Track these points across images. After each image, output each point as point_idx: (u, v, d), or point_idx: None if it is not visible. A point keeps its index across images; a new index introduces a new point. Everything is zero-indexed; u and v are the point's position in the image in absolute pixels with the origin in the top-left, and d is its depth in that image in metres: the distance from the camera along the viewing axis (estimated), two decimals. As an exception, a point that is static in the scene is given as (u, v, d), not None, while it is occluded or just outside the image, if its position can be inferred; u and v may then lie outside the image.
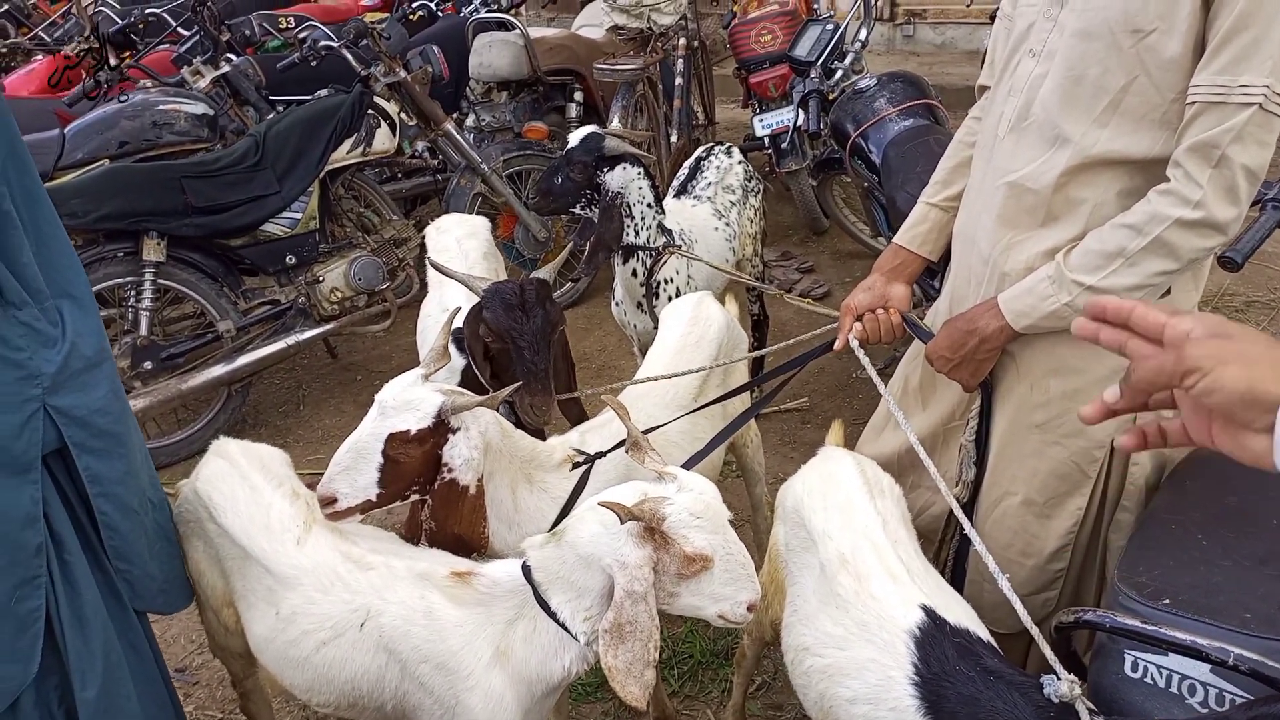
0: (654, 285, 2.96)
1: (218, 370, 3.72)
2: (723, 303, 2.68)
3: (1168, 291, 1.66)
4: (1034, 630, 1.47)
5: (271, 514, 1.79)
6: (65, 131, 3.94)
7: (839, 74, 4.26)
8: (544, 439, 2.19)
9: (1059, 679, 1.37)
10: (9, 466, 1.58)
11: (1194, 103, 1.49)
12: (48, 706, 1.69)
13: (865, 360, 2.03)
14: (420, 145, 4.71)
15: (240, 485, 1.83)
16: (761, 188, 3.59)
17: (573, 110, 5.21)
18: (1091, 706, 1.36)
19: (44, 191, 1.66)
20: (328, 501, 1.77)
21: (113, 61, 4.85)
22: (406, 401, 1.77)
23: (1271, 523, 1.57)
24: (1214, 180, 1.48)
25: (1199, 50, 1.49)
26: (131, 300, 3.65)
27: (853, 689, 1.57)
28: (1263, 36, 1.43)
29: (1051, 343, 1.73)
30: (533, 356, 2.12)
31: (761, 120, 4.76)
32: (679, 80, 5.10)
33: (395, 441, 1.76)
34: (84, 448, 1.68)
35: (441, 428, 1.79)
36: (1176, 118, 1.53)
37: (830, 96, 4.19)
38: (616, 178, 2.80)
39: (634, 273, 2.93)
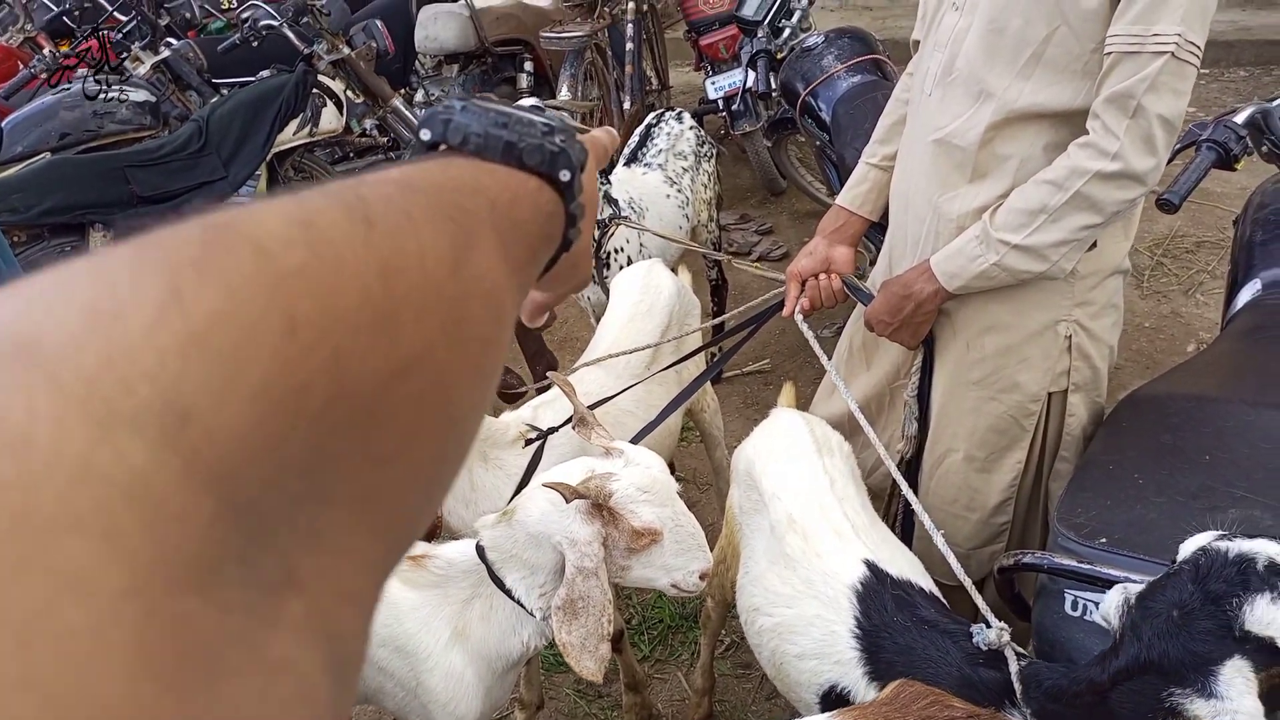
0: (604, 256, 2.96)
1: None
2: (676, 270, 2.68)
3: (1094, 245, 1.68)
4: (966, 581, 1.51)
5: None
6: (3, 125, 3.85)
7: (786, 32, 4.23)
8: (516, 399, 2.21)
9: (989, 627, 1.41)
10: None
11: (1110, 53, 1.51)
12: None
13: (806, 330, 2.06)
14: (369, 123, 4.65)
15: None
16: (715, 152, 3.58)
17: (524, 81, 5.16)
18: (1021, 650, 1.40)
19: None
20: None
21: (48, 50, 4.73)
22: None
23: (1204, 458, 1.61)
24: (1131, 131, 1.50)
25: (1115, 0, 1.50)
26: (81, 295, 3.59)
27: (800, 645, 1.62)
28: None
29: (984, 300, 1.75)
30: None
31: (713, 83, 4.73)
32: (629, 45, 5.04)
33: None
34: None
35: None
36: (1098, 68, 1.54)
37: (779, 55, 4.16)
38: None
39: (585, 244, 2.93)
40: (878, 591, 1.60)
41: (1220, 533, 1.21)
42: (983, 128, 1.66)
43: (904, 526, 1.99)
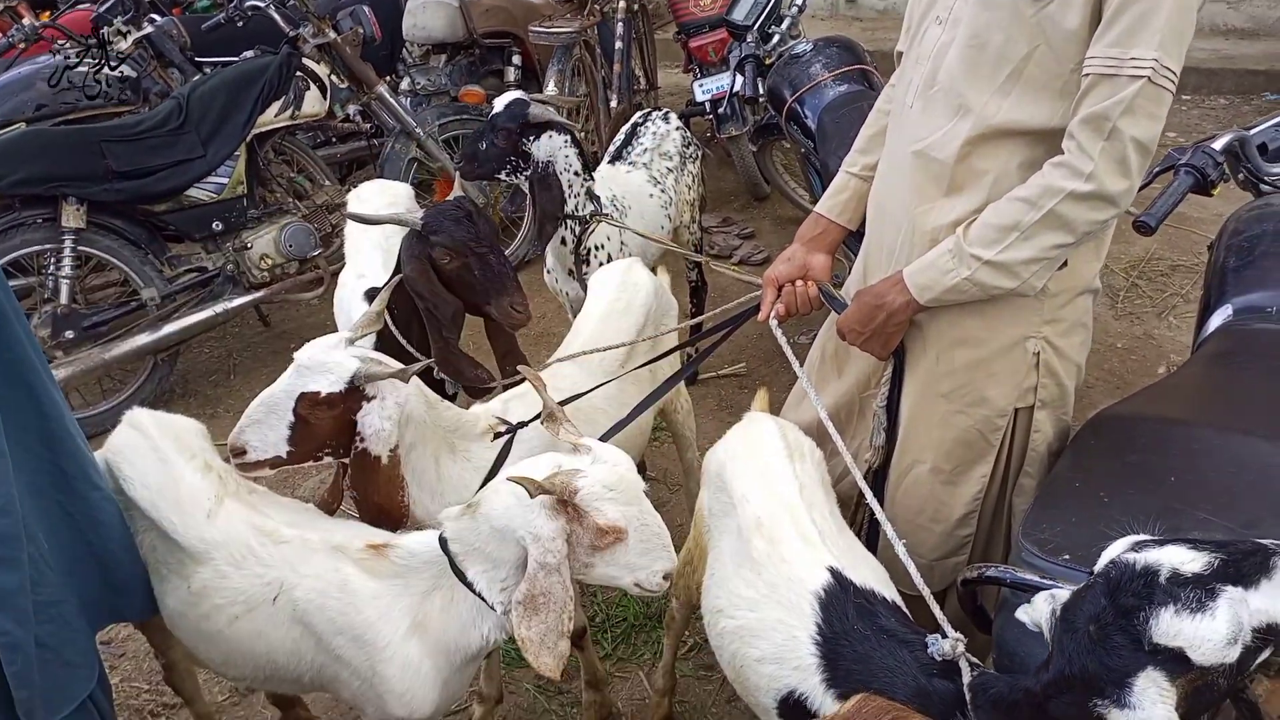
0: (584, 252, 2.96)
1: (142, 339, 3.64)
2: (656, 270, 2.68)
3: (1065, 264, 1.69)
4: (925, 591, 1.52)
5: (181, 487, 1.76)
6: (-22, 92, 3.79)
7: (775, 39, 4.24)
8: (483, 394, 2.20)
9: (944, 637, 1.42)
10: None
11: (1088, 74, 1.52)
12: None
13: (780, 335, 2.06)
14: (353, 109, 4.61)
15: (151, 457, 1.80)
16: (700, 154, 3.58)
17: (511, 74, 5.13)
18: (975, 661, 1.41)
19: None
20: (238, 453, 1.77)
21: (27, 20, 4.66)
22: (321, 363, 1.76)
23: (1170, 479, 1.62)
24: (1105, 153, 1.51)
25: (1096, 22, 1.52)
26: (51, 268, 3.55)
27: (761, 649, 1.61)
28: (1151, 10, 1.45)
29: (956, 314, 1.76)
30: (497, 259, 2.22)
31: (701, 85, 4.73)
32: (619, 44, 5.03)
33: (306, 402, 1.75)
34: None
35: (355, 394, 1.77)
36: (1076, 88, 1.55)
37: (767, 61, 4.18)
38: (543, 146, 2.78)
39: (563, 240, 2.92)
40: (840, 599, 1.59)
41: (1137, 539, 1.23)
42: (960, 141, 1.67)
43: (869, 535, 1.99)
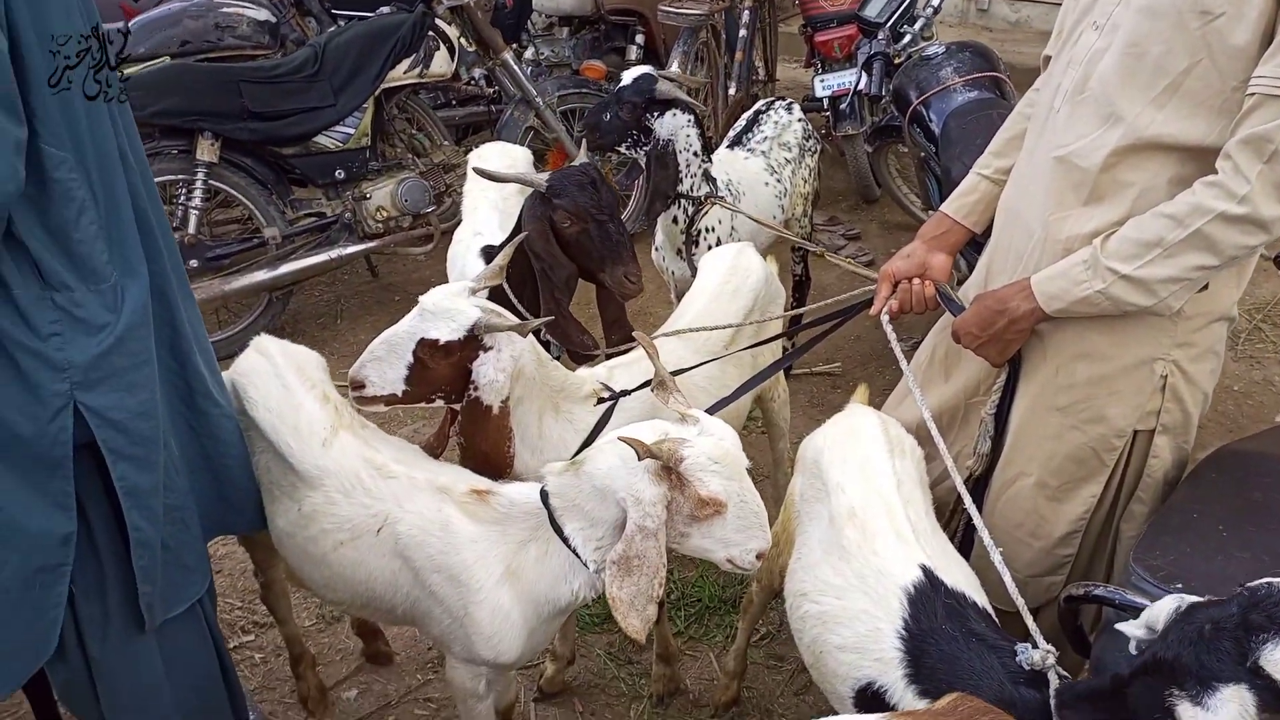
0: (694, 234, 2.97)
1: (260, 275, 3.78)
2: (764, 259, 2.68)
3: (1205, 286, 1.64)
4: (1019, 601, 1.50)
5: (301, 414, 1.84)
6: (129, 25, 3.96)
7: (907, 38, 4.17)
8: (586, 360, 2.21)
9: (1035, 648, 1.40)
10: (37, 460, 1.48)
11: (1253, 94, 1.46)
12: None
13: (890, 332, 2.03)
14: (477, 73, 4.70)
15: (275, 383, 1.87)
16: (819, 148, 3.55)
17: (633, 52, 5.15)
18: (1064, 673, 1.39)
19: (120, 165, 1.52)
20: (356, 386, 1.83)
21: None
22: (445, 310, 1.80)
23: (1293, 519, 1.57)
24: (1264, 176, 1.45)
25: (1267, 40, 1.46)
26: (182, 198, 3.71)
27: (843, 636, 1.62)
28: None
29: (1082, 327, 1.71)
30: (617, 228, 2.24)
31: (823, 80, 4.68)
32: (743, 32, 5.02)
33: (425, 346, 1.80)
34: (120, 454, 1.54)
35: (472, 343, 1.82)
36: (1236, 107, 1.49)
37: (896, 60, 4.11)
38: (666, 123, 2.80)
39: (675, 219, 2.94)
40: (930, 597, 1.58)
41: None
42: (1107, 151, 1.63)
43: (963, 543, 1.96)
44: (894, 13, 4.20)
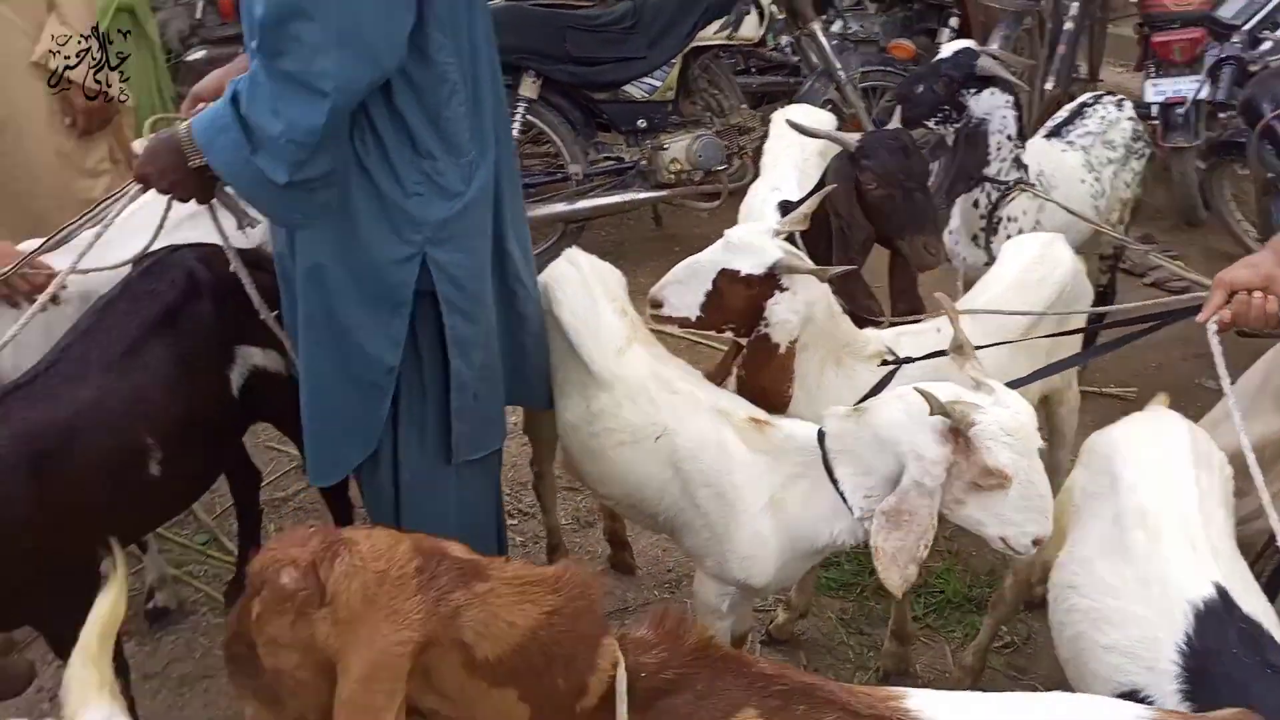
0: (994, 221, 2.85)
1: (559, 207, 4.06)
2: (1073, 259, 2.53)
3: None
4: None
5: (601, 321, 1.97)
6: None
7: (1267, 44, 3.77)
8: (869, 325, 2.21)
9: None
10: (385, 298, 1.74)
11: None
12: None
13: (1215, 345, 1.83)
14: (784, 40, 4.74)
15: (581, 290, 2.02)
16: (1149, 153, 3.27)
17: (945, 35, 4.98)
18: None
19: (492, 54, 1.79)
20: (655, 305, 1.94)
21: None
22: (749, 245, 1.86)
23: None
24: None
25: None
26: (503, 129, 4.02)
27: (1112, 638, 1.54)
28: None
29: None
30: (923, 197, 2.23)
31: (1156, 85, 4.30)
32: (1068, 25, 4.74)
33: (726, 276, 1.87)
34: (454, 306, 1.78)
35: (770, 281, 1.86)
36: None
37: (1251, 68, 3.74)
38: (983, 101, 2.71)
39: (975, 203, 2.84)
40: (1222, 619, 1.47)
41: None
42: None
43: (1269, 587, 1.78)
44: (1253, 15, 3.82)
